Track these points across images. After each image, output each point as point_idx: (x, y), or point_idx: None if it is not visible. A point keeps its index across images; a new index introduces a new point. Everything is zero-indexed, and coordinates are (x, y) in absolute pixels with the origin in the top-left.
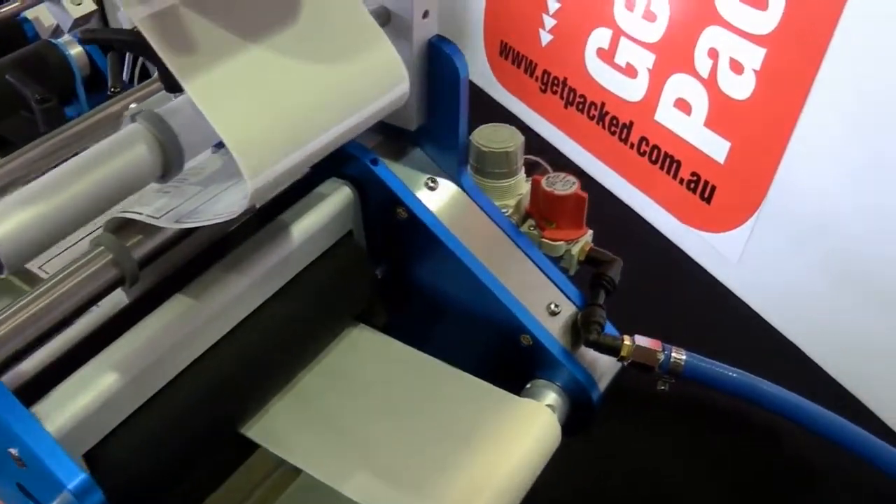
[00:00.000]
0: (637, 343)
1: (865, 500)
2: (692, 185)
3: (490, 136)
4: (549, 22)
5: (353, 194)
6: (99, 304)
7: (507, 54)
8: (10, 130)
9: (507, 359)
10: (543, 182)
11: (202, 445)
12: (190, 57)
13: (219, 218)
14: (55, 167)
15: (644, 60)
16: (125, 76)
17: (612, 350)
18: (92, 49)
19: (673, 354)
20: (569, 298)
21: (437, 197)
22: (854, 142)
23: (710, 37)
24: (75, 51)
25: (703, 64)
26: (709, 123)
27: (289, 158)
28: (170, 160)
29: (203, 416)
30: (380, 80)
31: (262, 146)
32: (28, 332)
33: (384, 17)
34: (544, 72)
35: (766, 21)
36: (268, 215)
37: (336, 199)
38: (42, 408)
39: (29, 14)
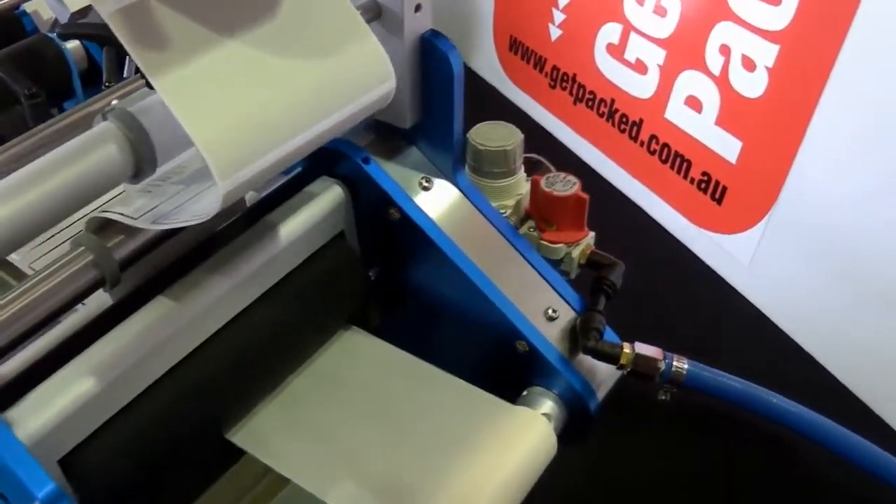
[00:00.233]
0: (637, 351)
1: None
2: (703, 185)
3: (487, 134)
4: (559, 17)
5: (345, 194)
6: (84, 302)
7: (517, 49)
8: (3, 125)
9: (503, 365)
10: (543, 182)
11: (185, 450)
12: (160, 52)
13: (195, 220)
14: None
15: (654, 56)
16: (126, 71)
17: (611, 358)
18: (89, 43)
19: (674, 363)
20: (568, 303)
21: (432, 197)
22: (870, 142)
23: (722, 33)
24: (72, 45)
25: (714, 61)
26: (720, 122)
27: (263, 159)
28: (141, 160)
29: (186, 420)
30: (364, 77)
31: (235, 146)
32: (2, 336)
33: (375, 12)
34: (553, 67)
35: (780, 17)
36: (257, 215)
37: (326, 198)
38: (15, 413)
39: (28, 7)
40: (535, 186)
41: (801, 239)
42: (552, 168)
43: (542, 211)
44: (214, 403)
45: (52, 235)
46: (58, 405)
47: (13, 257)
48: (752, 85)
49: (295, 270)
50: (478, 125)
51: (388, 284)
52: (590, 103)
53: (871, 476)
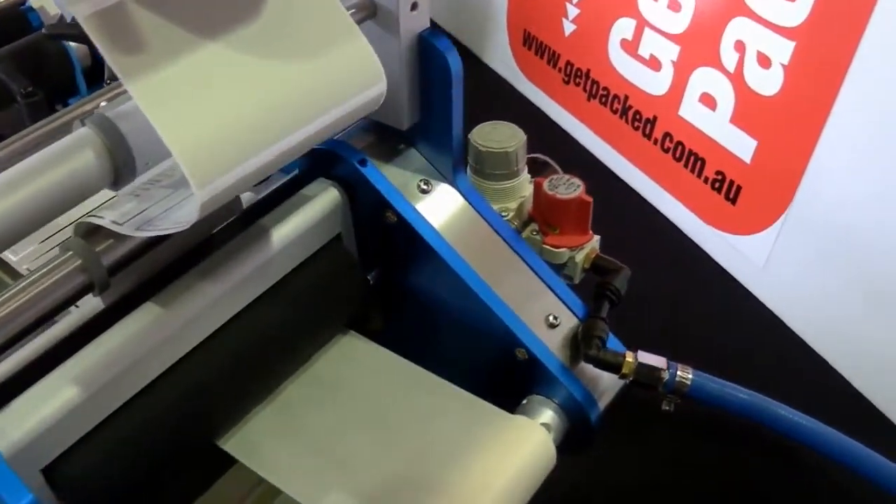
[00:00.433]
0: (640, 360)
1: None
2: (717, 185)
3: (489, 135)
4: (573, 11)
5: (342, 196)
6: (78, 304)
7: (531, 44)
8: (4, 123)
9: (503, 373)
10: (546, 185)
11: (175, 458)
12: (136, 56)
13: (177, 227)
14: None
15: (668, 52)
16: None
17: (613, 367)
18: None
19: (678, 373)
20: (570, 310)
21: (430, 200)
22: (888, 141)
23: (737, 28)
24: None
25: (729, 57)
26: (735, 120)
27: (244, 166)
28: (119, 166)
29: (175, 428)
30: (352, 79)
31: (213, 152)
32: None
33: (370, 10)
34: (567, 63)
35: (796, 12)
36: (253, 217)
37: (322, 201)
38: None
39: (34, 3)
40: (537, 189)
41: (817, 241)
42: (559, 169)
43: (545, 214)
44: (205, 411)
45: (51, 235)
46: (41, 413)
47: (9, 258)
48: (767, 82)
49: (290, 274)
50: (480, 125)
51: (387, 289)
52: (603, 100)
53: (879, 489)
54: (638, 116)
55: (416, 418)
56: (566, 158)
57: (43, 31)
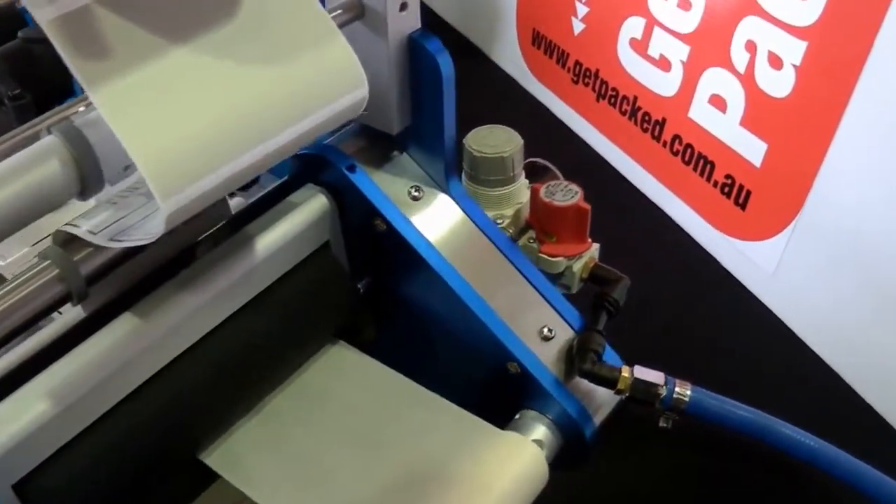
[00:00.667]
0: (636, 375)
1: None
2: (726, 189)
3: (484, 139)
4: (582, 10)
5: (330, 203)
6: (61, 311)
7: (540, 43)
8: None
9: (495, 387)
10: (542, 191)
11: (154, 472)
12: (100, 62)
13: (146, 238)
14: None
15: (678, 52)
16: None
17: (608, 382)
18: None
19: (676, 389)
20: (566, 322)
21: (422, 207)
22: None
23: (748, 28)
24: None
25: (739, 57)
26: (745, 122)
27: (212, 176)
28: (86, 176)
29: (154, 441)
30: (331, 83)
31: (179, 163)
32: None
33: (357, 11)
34: (576, 62)
35: (808, 11)
36: (240, 223)
37: (310, 207)
38: None
39: None
40: (534, 195)
41: (829, 247)
42: (559, 174)
43: (542, 221)
44: (186, 424)
45: (40, 240)
46: (12, 428)
47: None
48: (778, 84)
49: (277, 282)
50: (475, 129)
51: (379, 298)
52: (612, 100)
53: None
54: (647, 118)
55: (405, 433)
56: (574, 160)
57: (20, 34)
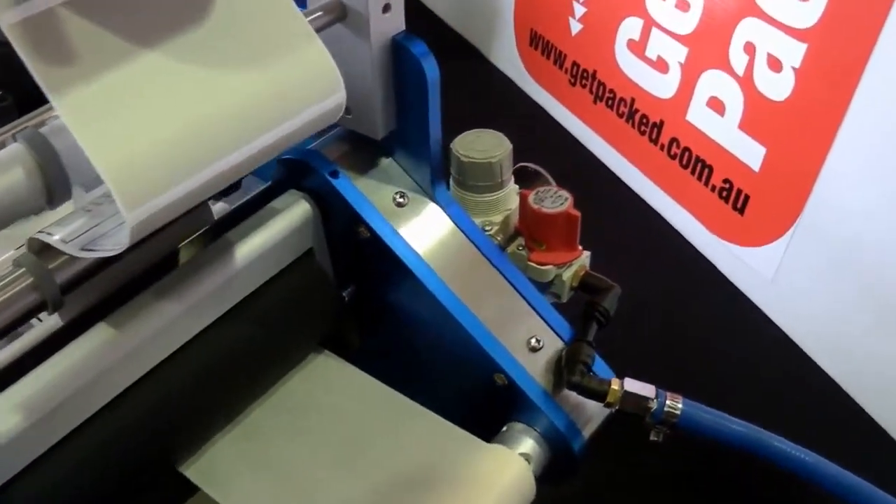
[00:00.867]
0: (626, 388)
1: None
2: (724, 194)
3: (472, 144)
4: (580, 10)
5: (313, 209)
6: (41, 318)
7: (537, 44)
8: None
9: (482, 399)
10: (531, 197)
11: (132, 485)
12: (64, 68)
13: (116, 249)
14: None
15: (676, 54)
16: None
17: (597, 395)
18: None
19: (667, 402)
20: (555, 332)
21: (406, 214)
22: None
23: (747, 29)
24: None
25: (738, 60)
26: (743, 126)
27: (181, 187)
28: (51, 185)
29: (132, 453)
30: (306, 89)
31: (146, 172)
32: None
33: (339, 13)
34: (573, 63)
35: (808, 13)
36: (222, 230)
37: (292, 214)
38: None
39: None
40: (523, 202)
41: (829, 253)
42: (551, 179)
43: (531, 229)
44: (165, 435)
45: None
46: None
47: None
48: (777, 87)
49: (259, 290)
50: (463, 134)
51: (364, 307)
52: (609, 102)
53: None
54: (644, 120)
55: (390, 446)
56: (570, 162)
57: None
